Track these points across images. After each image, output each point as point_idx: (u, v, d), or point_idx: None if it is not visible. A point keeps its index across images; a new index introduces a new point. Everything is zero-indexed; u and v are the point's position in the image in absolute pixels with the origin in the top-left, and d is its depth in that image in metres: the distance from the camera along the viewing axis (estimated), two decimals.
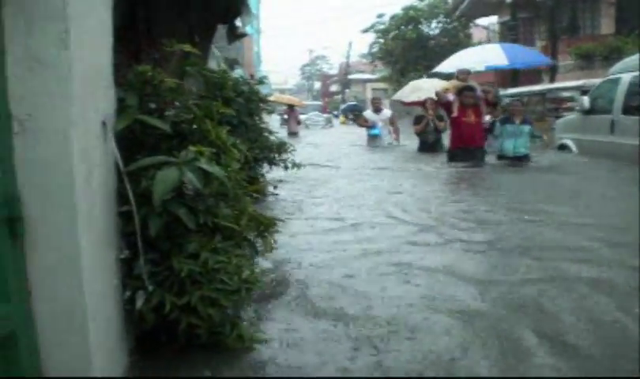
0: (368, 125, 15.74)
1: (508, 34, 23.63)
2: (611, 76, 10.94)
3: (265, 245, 3.38)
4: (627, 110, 9.89)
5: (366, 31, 43.29)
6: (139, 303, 2.54)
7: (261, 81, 7.41)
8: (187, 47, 3.22)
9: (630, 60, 10.83)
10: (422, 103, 14.66)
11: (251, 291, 2.82)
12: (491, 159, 10.79)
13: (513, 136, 10.42)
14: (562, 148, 11.62)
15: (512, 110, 10.83)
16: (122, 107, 2.68)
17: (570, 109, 13.67)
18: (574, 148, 11.55)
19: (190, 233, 2.70)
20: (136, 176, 2.60)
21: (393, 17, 40.42)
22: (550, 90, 16.84)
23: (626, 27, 19.85)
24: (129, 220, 2.56)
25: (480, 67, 11.32)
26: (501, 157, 10.63)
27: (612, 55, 18.27)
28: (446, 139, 12.28)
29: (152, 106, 2.85)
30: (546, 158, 10.88)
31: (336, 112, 53.63)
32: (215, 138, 2.87)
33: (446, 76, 15.05)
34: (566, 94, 15.34)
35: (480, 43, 36.21)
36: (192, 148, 2.59)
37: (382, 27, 41.67)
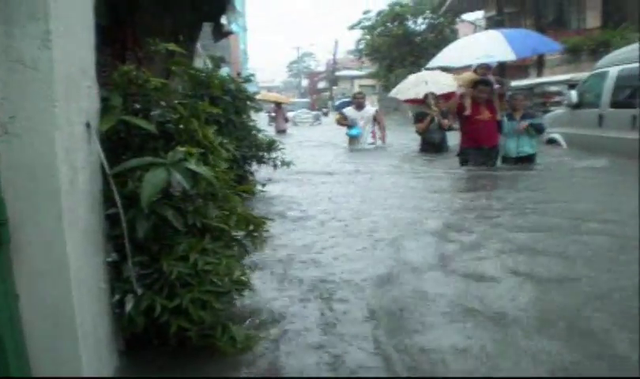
0: (348, 124, 13.84)
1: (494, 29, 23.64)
2: (599, 70, 10.90)
3: (255, 244, 3.34)
4: (615, 103, 9.91)
5: (352, 27, 43.34)
6: (128, 306, 2.51)
7: (247, 79, 7.36)
8: (171, 46, 3.18)
9: (618, 53, 10.83)
10: (422, 100, 13.15)
11: (243, 292, 2.79)
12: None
13: (515, 134, 9.26)
14: (551, 142, 11.57)
15: (513, 105, 9.52)
16: (106, 108, 2.63)
17: (558, 103, 13.66)
18: (562, 142, 11.56)
19: (179, 234, 2.66)
20: (122, 178, 2.56)
21: (379, 14, 40.50)
22: (537, 84, 16.86)
23: (613, 20, 19.93)
24: (116, 223, 2.52)
25: (480, 61, 10.06)
26: (505, 159, 9.44)
27: (599, 49, 18.33)
28: (452, 138, 11.42)
29: (137, 106, 2.81)
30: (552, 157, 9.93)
31: (325, 109, 53.74)
32: (202, 138, 2.83)
33: (445, 70, 14.27)
34: (553, 88, 15.34)
35: None
36: (180, 149, 2.56)
37: (368, 23, 41.73)
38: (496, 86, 9.37)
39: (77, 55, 2.36)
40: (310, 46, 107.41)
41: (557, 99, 14.54)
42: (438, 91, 13.04)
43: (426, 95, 12.87)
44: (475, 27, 32.29)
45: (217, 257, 2.68)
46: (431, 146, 12.40)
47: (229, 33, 7.03)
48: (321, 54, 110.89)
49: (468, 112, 9.18)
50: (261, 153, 6.94)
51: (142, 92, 2.78)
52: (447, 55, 10.88)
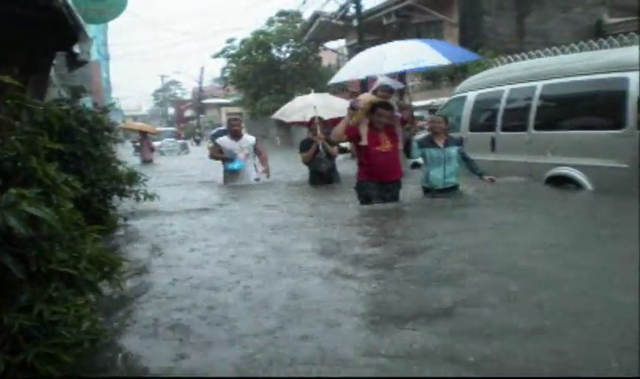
0: (224, 158, 11.39)
1: None
2: (458, 95, 11.34)
3: (114, 286, 3.12)
4: (474, 127, 10.33)
5: (217, 56, 43.31)
6: None
7: (105, 110, 7.03)
8: (7, 79, 2.89)
9: (475, 78, 11.33)
10: (308, 124, 11.66)
11: (96, 343, 2.57)
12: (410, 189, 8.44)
13: (440, 163, 8.07)
14: (416, 166, 11.49)
15: (433, 129, 8.40)
16: None
17: (421, 128, 14.12)
18: None
19: (21, 283, 2.42)
20: None
21: (243, 42, 40.77)
22: None
23: (469, 46, 21.01)
24: None
25: (409, 68, 8.84)
26: (427, 190, 8.21)
27: (457, 74, 19.22)
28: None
29: None
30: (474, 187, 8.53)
31: (198, 136, 53.21)
32: (43, 176, 2.60)
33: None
34: (415, 113, 15.90)
35: (329, 66, 37.36)
36: (13, 191, 2.32)
37: (232, 52, 41.87)
38: (397, 110, 7.93)
39: None
40: (175, 74, 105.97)
41: (419, 123, 15.07)
42: (328, 115, 11.67)
43: (312, 120, 11.42)
44: (338, 55, 33.20)
45: (66, 306, 2.46)
46: (320, 177, 11.11)
47: (84, 62, 6.67)
48: (187, 82, 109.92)
49: (364, 142, 7.67)
50: (122, 186, 6.62)
51: None
52: (359, 66, 9.31)
